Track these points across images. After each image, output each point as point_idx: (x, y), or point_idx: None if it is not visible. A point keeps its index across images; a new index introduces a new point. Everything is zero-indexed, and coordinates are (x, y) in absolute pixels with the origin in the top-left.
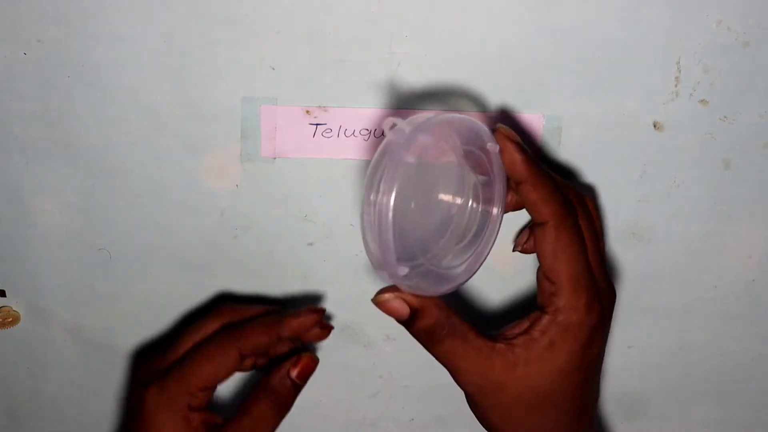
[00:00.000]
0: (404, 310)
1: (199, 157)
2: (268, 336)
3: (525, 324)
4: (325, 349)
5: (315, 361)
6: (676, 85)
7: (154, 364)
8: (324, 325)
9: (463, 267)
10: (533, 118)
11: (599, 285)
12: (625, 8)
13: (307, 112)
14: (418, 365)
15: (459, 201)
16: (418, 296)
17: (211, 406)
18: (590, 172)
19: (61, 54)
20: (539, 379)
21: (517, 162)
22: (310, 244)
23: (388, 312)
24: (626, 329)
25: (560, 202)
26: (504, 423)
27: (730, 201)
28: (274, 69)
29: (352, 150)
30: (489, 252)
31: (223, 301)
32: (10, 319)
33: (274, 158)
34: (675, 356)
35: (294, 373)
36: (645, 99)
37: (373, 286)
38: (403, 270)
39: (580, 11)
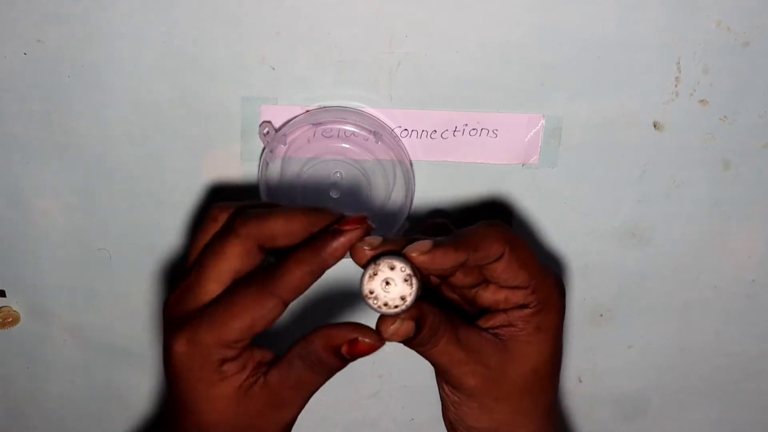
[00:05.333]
0: (410, 327)
1: (199, 156)
2: (312, 274)
3: (502, 317)
4: None
5: (374, 346)
6: (676, 85)
7: (181, 303)
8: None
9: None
10: (533, 118)
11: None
12: (625, 8)
13: (307, 112)
14: (418, 365)
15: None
16: (416, 306)
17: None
18: (590, 172)
19: (61, 54)
20: (537, 360)
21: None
22: None
23: (399, 338)
24: (626, 329)
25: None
26: (506, 411)
27: (730, 201)
28: (274, 69)
29: (353, 150)
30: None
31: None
32: (10, 319)
33: (275, 158)
34: (675, 356)
35: (345, 351)
36: (645, 99)
37: None
38: None
39: (580, 11)
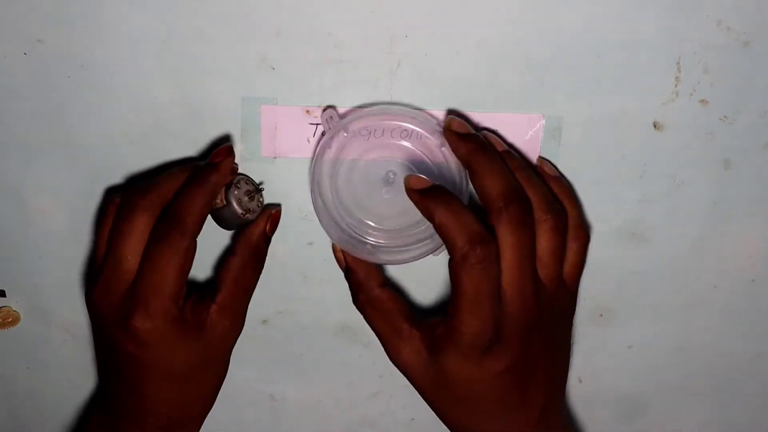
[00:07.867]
0: (341, 262)
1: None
2: (208, 195)
3: (438, 322)
4: (325, 349)
5: (278, 212)
6: (676, 85)
7: (110, 291)
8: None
9: (413, 251)
10: (533, 118)
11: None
12: (625, 8)
13: (307, 112)
14: None
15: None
16: (353, 257)
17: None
18: (590, 172)
19: (61, 54)
20: (443, 377)
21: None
22: (310, 243)
23: (336, 258)
24: (626, 329)
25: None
26: (437, 409)
27: (730, 201)
28: (274, 69)
29: (352, 150)
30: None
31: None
32: (10, 319)
33: (275, 158)
34: (675, 356)
35: (269, 230)
36: (645, 99)
37: None
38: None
39: (580, 11)
